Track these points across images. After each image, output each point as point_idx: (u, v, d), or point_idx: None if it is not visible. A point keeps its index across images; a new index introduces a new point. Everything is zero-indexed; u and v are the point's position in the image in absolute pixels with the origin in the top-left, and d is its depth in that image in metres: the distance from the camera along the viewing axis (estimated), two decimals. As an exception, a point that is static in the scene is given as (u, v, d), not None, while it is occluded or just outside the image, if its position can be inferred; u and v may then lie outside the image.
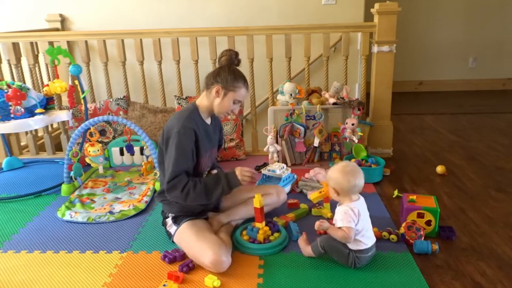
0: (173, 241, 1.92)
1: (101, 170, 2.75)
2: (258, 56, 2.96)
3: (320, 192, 1.98)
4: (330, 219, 1.97)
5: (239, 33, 2.93)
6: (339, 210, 1.72)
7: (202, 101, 1.92)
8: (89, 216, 2.22)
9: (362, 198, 1.77)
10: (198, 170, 1.91)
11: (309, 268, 1.76)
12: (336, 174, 1.71)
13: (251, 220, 2.02)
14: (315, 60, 3.47)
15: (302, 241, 1.86)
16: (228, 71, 1.86)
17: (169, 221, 1.94)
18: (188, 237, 1.81)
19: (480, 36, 5.09)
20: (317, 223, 1.78)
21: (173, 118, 1.89)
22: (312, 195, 2.02)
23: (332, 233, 1.74)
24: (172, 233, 1.91)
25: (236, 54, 1.91)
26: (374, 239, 1.76)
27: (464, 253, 1.86)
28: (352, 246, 1.70)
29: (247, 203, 2.08)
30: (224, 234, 1.93)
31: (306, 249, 1.82)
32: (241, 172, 1.84)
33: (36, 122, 2.53)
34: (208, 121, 1.96)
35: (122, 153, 2.93)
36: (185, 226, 1.86)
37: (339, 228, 1.69)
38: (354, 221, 1.66)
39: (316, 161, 2.88)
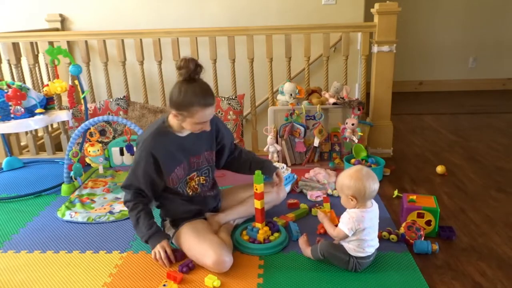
0: (172, 243, 1.92)
1: (101, 170, 2.74)
2: (258, 56, 2.96)
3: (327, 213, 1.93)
4: (329, 211, 2.01)
5: (239, 33, 2.93)
6: (348, 211, 1.69)
7: (171, 120, 1.82)
8: (89, 216, 2.22)
9: (375, 205, 1.72)
10: (172, 185, 1.86)
11: (309, 268, 1.76)
12: (353, 181, 1.63)
13: (251, 220, 2.03)
14: (315, 60, 3.47)
15: (302, 242, 1.86)
16: (178, 94, 1.68)
17: (167, 224, 1.94)
18: (188, 239, 1.81)
19: (480, 36, 5.08)
20: (320, 213, 1.81)
21: (145, 130, 1.89)
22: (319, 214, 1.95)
23: (326, 226, 1.76)
24: (171, 236, 1.90)
25: (195, 62, 1.67)
26: (377, 245, 1.74)
27: (464, 253, 1.86)
28: (354, 253, 1.69)
29: (245, 202, 2.08)
30: (224, 234, 1.93)
31: (306, 250, 1.82)
32: (159, 248, 1.77)
33: (36, 122, 2.53)
34: (185, 132, 1.84)
35: (122, 153, 2.92)
36: (185, 228, 1.85)
37: (336, 226, 1.71)
38: (353, 230, 1.65)
39: (316, 161, 2.88)
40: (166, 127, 1.82)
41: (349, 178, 1.65)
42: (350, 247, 1.69)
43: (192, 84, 1.70)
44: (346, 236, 1.67)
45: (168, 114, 1.82)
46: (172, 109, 1.74)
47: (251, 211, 1.97)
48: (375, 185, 1.65)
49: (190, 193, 1.93)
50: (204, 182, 1.97)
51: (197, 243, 1.77)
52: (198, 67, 1.69)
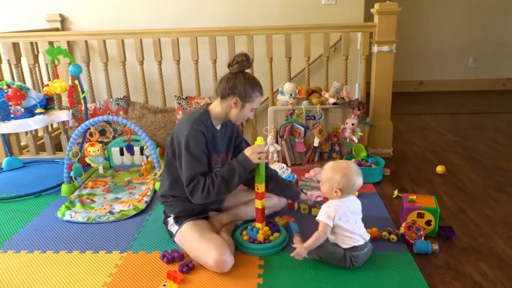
0: (174, 241, 1.92)
1: (101, 170, 2.75)
2: (258, 56, 2.96)
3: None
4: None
5: (239, 33, 2.93)
6: (325, 204, 1.75)
7: (215, 108, 1.90)
8: (89, 216, 2.22)
9: (352, 195, 1.78)
10: (211, 165, 1.90)
11: (309, 268, 1.76)
12: (345, 177, 1.70)
13: (251, 220, 2.03)
14: (315, 60, 3.46)
15: (298, 243, 1.85)
16: (245, 82, 1.83)
17: (170, 220, 1.95)
18: (191, 238, 1.81)
19: (480, 36, 5.08)
20: (295, 253, 1.73)
21: (183, 120, 1.89)
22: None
23: (310, 245, 1.71)
24: (174, 233, 1.91)
25: (247, 57, 1.85)
26: (367, 236, 1.76)
27: (464, 253, 1.86)
28: (344, 245, 1.71)
29: (249, 204, 2.08)
30: (226, 234, 1.93)
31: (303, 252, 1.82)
32: (253, 153, 1.81)
33: (36, 122, 2.53)
34: (218, 126, 1.93)
35: (122, 153, 2.93)
36: (187, 226, 1.86)
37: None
38: (331, 218, 1.69)
39: (316, 161, 2.88)
40: (208, 116, 1.89)
41: (340, 174, 1.71)
42: (339, 239, 1.72)
43: (249, 74, 1.88)
44: (329, 227, 1.69)
45: (207, 103, 1.93)
46: (234, 96, 1.83)
47: (253, 214, 1.96)
48: (360, 181, 1.74)
49: None
50: None
51: (199, 242, 1.77)
52: (249, 60, 1.85)
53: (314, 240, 1.71)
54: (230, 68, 1.86)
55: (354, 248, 1.71)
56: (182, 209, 1.92)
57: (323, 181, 1.77)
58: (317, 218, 1.73)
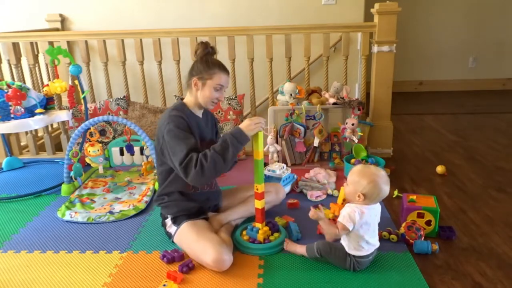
0: (173, 242, 1.92)
1: (101, 170, 2.75)
2: (258, 56, 2.96)
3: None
4: (330, 219, 1.96)
5: (239, 33, 2.93)
6: (349, 205, 1.69)
7: (187, 99, 1.95)
8: (89, 216, 2.22)
9: (378, 204, 1.73)
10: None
11: (309, 268, 1.76)
12: (372, 184, 1.64)
13: (251, 220, 2.03)
14: (315, 60, 3.47)
15: (289, 246, 1.85)
16: (200, 62, 1.88)
17: (168, 221, 1.94)
18: (189, 237, 1.82)
19: (480, 36, 5.09)
20: (312, 211, 1.75)
21: (161, 117, 1.92)
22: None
23: (323, 225, 1.74)
24: (172, 234, 1.91)
25: (208, 44, 1.91)
26: (377, 245, 1.73)
27: (464, 253, 1.86)
28: (353, 252, 1.69)
29: (246, 201, 2.09)
30: (225, 233, 1.93)
31: (298, 249, 1.82)
32: (250, 124, 1.77)
33: (36, 122, 2.53)
34: (199, 114, 1.96)
35: (122, 153, 2.93)
36: (186, 226, 1.86)
37: (334, 222, 1.70)
38: (353, 224, 1.64)
39: (316, 161, 2.88)
40: (185, 106, 1.92)
41: (368, 179, 1.64)
42: (349, 245, 1.69)
43: (210, 55, 1.92)
44: (348, 230, 1.66)
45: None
46: (192, 77, 1.87)
47: (252, 211, 1.97)
48: (387, 190, 1.67)
49: None
50: None
51: (197, 241, 1.77)
52: (213, 48, 1.92)
53: (327, 229, 1.71)
54: (195, 56, 1.92)
55: (360, 256, 1.69)
56: (178, 209, 1.92)
57: (348, 182, 1.71)
58: (338, 219, 1.68)
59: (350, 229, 1.65)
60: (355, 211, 1.65)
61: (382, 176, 1.66)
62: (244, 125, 1.79)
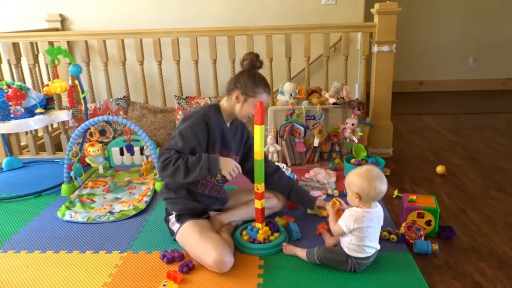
0: (175, 239, 1.92)
1: (101, 170, 2.74)
2: (258, 56, 2.96)
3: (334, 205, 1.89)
4: (326, 217, 1.99)
5: (239, 33, 2.93)
6: (349, 209, 1.69)
7: (223, 104, 1.94)
8: (89, 216, 2.22)
9: (379, 206, 1.72)
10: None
11: (309, 268, 1.76)
12: (361, 180, 1.64)
13: (251, 220, 2.03)
14: (315, 60, 3.47)
15: (289, 249, 1.86)
16: (248, 76, 1.86)
17: (172, 218, 1.94)
18: (191, 237, 1.82)
19: (480, 36, 5.08)
20: (329, 204, 1.84)
21: (192, 109, 1.90)
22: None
23: (330, 221, 1.77)
24: (175, 231, 1.91)
25: (257, 56, 1.91)
26: (378, 247, 1.73)
27: (464, 253, 1.86)
28: (354, 253, 1.69)
29: (248, 204, 2.09)
30: (226, 234, 1.93)
31: (298, 252, 1.82)
32: (228, 166, 1.77)
33: (36, 122, 2.53)
34: (228, 122, 1.96)
35: (122, 153, 2.93)
36: (188, 225, 1.86)
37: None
38: (350, 228, 1.65)
39: (316, 161, 2.88)
40: (219, 110, 1.92)
41: (357, 176, 1.66)
42: (350, 247, 1.69)
43: (258, 72, 1.91)
44: (343, 233, 1.68)
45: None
46: (236, 90, 1.86)
47: (253, 215, 1.96)
48: (382, 187, 1.65)
49: (218, 178, 1.95)
50: (219, 178, 1.98)
51: (199, 241, 1.77)
52: (260, 62, 1.92)
53: (330, 222, 1.77)
54: (241, 67, 1.92)
55: (361, 257, 1.69)
56: (184, 207, 1.92)
57: (346, 189, 1.73)
58: (338, 221, 1.70)
59: (347, 232, 1.66)
60: (353, 215, 1.65)
61: (373, 173, 1.65)
62: (224, 161, 1.77)
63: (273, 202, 2.13)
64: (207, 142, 1.86)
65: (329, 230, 1.90)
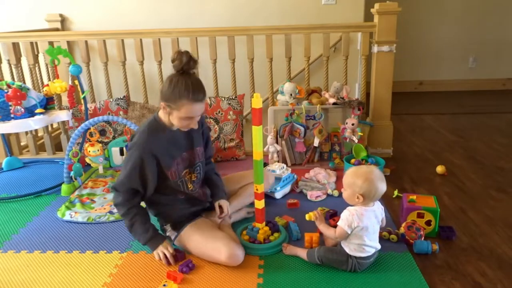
0: (174, 244, 1.91)
1: (101, 170, 2.74)
2: (258, 56, 2.96)
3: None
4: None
5: (239, 33, 2.93)
6: (348, 208, 1.69)
7: (161, 114, 1.81)
8: (89, 216, 2.22)
9: (378, 204, 1.73)
10: (171, 180, 1.81)
11: (309, 268, 1.76)
12: (367, 182, 1.63)
13: (251, 220, 2.03)
14: (315, 60, 3.47)
15: (289, 249, 1.85)
16: (169, 85, 1.67)
17: (168, 227, 1.94)
18: (196, 239, 1.82)
19: (480, 36, 5.08)
20: (312, 215, 1.80)
21: (138, 129, 1.85)
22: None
23: (323, 229, 1.76)
24: (173, 238, 1.90)
25: (187, 55, 1.66)
26: (378, 247, 1.73)
27: (464, 253, 1.86)
28: (354, 253, 1.69)
29: (238, 194, 2.12)
30: (228, 228, 1.96)
31: (299, 252, 1.82)
32: (163, 248, 1.78)
33: (36, 122, 2.53)
34: (175, 126, 1.80)
35: (122, 153, 2.92)
36: (189, 229, 1.85)
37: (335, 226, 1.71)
38: (352, 227, 1.64)
39: (316, 161, 2.88)
40: (157, 123, 1.80)
41: (363, 179, 1.64)
42: (350, 247, 1.69)
43: (184, 77, 1.68)
44: (347, 234, 1.66)
45: (159, 110, 1.81)
46: (161, 100, 1.72)
47: (244, 202, 2.03)
48: (384, 187, 1.67)
49: (190, 188, 1.89)
50: (195, 178, 1.93)
51: (206, 241, 1.78)
52: (191, 61, 1.67)
53: (326, 233, 1.75)
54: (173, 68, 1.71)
55: (362, 257, 1.69)
56: (175, 217, 1.91)
57: (345, 186, 1.71)
58: (338, 223, 1.69)
59: (349, 232, 1.65)
60: (353, 214, 1.65)
61: (375, 174, 1.67)
62: (157, 246, 1.78)
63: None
64: (158, 168, 1.77)
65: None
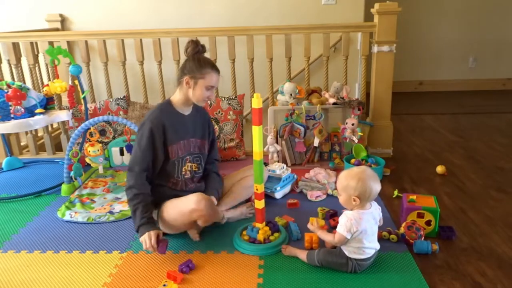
0: (160, 228, 1.90)
1: (101, 170, 2.75)
2: (258, 56, 2.96)
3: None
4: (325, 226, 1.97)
5: (239, 33, 2.93)
6: (346, 213, 1.68)
7: (175, 96, 1.98)
8: (89, 216, 2.22)
9: (375, 205, 1.72)
10: (170, 158, 1.94)
11: (309, 268, 1.76)
12: (360, 182, 1.62)
13: (251, 220, 2.03)
14: (315, 60, 3.47)
15: (289, 250, 1.85)
16: (193, 61, 1.90)
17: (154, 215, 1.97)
18: (170, 205, 1.89)
19: (479, 36, 5.08)
20: (310, 225, 1.84)
21: (149, 112, 1.97)
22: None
23: (321, 235, 1.77)
24: (156, 219, 1.93)
25: (198, 42, 1.92)
26: (377, 247, 1.73)
27: (464, 253, 1.86)
28: (354, 255, 1.68)
29: (231, 191, 2.17)
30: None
31: (299, 254, 1.82)
32: (147, 237, 1.78)
33: (36, 122, 2.53)
34: (186, 111, 2.00)
35: (122, 153, 2.93)
36: (167, 202, 1.91)
37: (332, 232, 1.71)
38: (351, 232, 1.64)
39: (316, 161, 2.88)
40: (170, 105, 1.97)
41: (356, 179, 1.64)
42: (349, 249, 1.68)
43: (202, 55, 1.93)
44: (346, 240, 1.66)
45: (172, 94, 1.97)
46: (184, 76, 1.90)
47: (238, 199, 2.10)
48: (378, 187, 1.66)
49: (184, 173, 1.98)
50: (196, 169, 2.04)
51: (177, 201, 1.87)
52: (203, 46, 1.93)
53: (325, 239, 1.75)
54: (185, 56, 1.94)
55: (361, 259, 1.69)
56: (157, 198, 1.94)
57: (340, 191, 1.70)
58: (337, 229, 1.68)
59: (349, 238, 1.65)
60: (351, 219, 1.64)
61: (367, 173, 1.66)
62: (147, 233, 1.78)
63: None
64: (164, 143, 1.91)
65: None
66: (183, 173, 1.99)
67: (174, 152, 1.94)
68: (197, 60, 1.90)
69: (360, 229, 1.64)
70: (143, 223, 1.82)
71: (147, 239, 1.77)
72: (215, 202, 2.00)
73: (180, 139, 1.96)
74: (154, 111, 1.93)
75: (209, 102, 2.91)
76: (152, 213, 1.88)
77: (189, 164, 2.01)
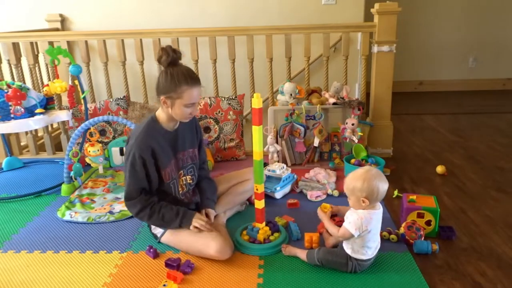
0: (159, 242, 1.94)
1: (101, 170, 2.75)
2: (258, 56, 2.96)
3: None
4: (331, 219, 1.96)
5: (239, 33, 2.93)
6: (357, 211, 1.66)
7: (160, 113, 1.85)
8: (89, 216, 2.22)
9: (381, 207, 1.72)
10: (164, 182, 1.85)
11: (309, 268, 1.76)
12: (366, 183, 1.61)
13: (251, 220, 2.02)
14: (315, 60, 3.47)
15: (289, 250, 1.85)
16: (165, 78, 1.72)
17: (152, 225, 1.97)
18: (185, 235, 1.84)
19: (480, 36, 5.08)
20: (319, 211, 1.84)
21: (133, 130, 1.87)
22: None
23: (328, 226, 1.76)
24: (159, 236, 1.93)
25: (171, 48, 1.73)
26: (378, 247, 1.73)
27: (464, 253, 1.86)
28: (355, 255, 1.68)
29: (228, 193, 2.13)
30: (221, 227, 1.96)
31: (299, 253, 1.82)
32: (197, 219, 1.80)
33: (36, 122, 2.53)
34: (173, 126, 1.86)
35: (122, 153, 2.92)
36: (180, 234, 1.86)
37: (340, 226, 1.70)
38: (360, 231, 1.63)
39: (316, 161, 2.88)
40: (155, 123, 1.84)
41: (361, 180, 1.62)
42: (353, 247, 1.68)
43: (176, 67, 1.75)
44: (352, 236, 1.65)
45: (155, 111, 1.86)
46: (160, 95, 1.75)
47: (236, 201, 2.08)
48: (385, 186, 1.65)
49: (181, 191, 1.93)
50: (191, 181, 1.98)
51: (195, 236, 1.81)
52: (176, 52, 1.74)
53: (329, 228, 1.74)
54: (159, 65, 1.78)
55: (362, 259, 1.69)
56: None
57: (348, 194, 1.69)
58: (344, 225, 1.66)
59: (356, 235, 1.63)
60: (362, 218, 1.63)
61: (373, 173, 1.64)
62: (194, 219, 1.79)
63: (252, 184, 2.10)
64: (156, 165, 1.80)
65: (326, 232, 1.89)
66: (179, 191, 1.92)
67: (167, 175, 1.85)
68: (170, 77, 1.70)
69: (369, 228, 1.63)
70: (182, 216, 1.80)
71: (199, 222, 1.78)
72: (214, 214, 1.96)
73: (171, 159, 1.86)
74: (140, 134, 1.78)
75: (208, 102, 2.92)
76: (173, 205, 1.84)
77: (183, 178, 1.93)
